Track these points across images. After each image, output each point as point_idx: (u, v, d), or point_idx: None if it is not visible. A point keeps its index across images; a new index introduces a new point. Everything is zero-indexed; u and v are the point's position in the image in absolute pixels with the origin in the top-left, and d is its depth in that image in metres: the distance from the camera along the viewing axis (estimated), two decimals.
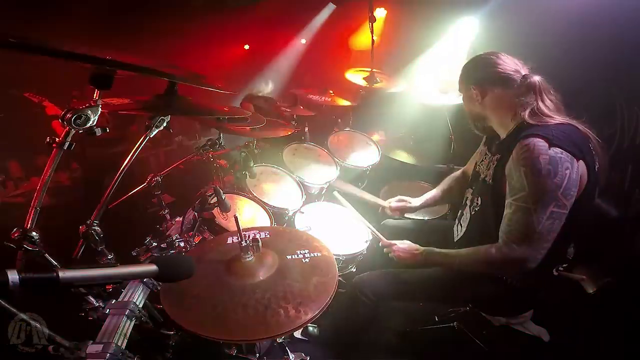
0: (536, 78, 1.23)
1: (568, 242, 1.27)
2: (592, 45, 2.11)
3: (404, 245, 1.49)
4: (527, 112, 1.21)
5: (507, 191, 1.18)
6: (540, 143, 1.10)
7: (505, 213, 1.18)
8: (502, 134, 1.35)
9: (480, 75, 1.34)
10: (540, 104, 1.21)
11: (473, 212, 1.43)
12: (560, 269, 1.34)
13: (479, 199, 1.39)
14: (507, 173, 1.19)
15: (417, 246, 1.46)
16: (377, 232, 1.69)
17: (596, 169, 1.19)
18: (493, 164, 1.32)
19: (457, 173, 1.84)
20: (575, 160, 1.10)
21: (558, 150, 1.09)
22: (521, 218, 1.13)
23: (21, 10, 3.20)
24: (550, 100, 1.23)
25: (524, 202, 1.12)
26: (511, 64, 1.28)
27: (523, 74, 1.25)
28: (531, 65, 1.30)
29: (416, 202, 1.85)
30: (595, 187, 1.21)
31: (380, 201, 1.97)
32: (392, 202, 1.89)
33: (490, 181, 1.31)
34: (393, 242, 1.54)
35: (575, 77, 2.06)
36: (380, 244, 1.62)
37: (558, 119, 1.20)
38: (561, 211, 1.10)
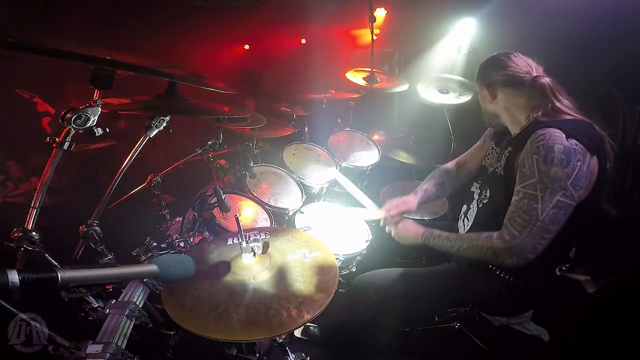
0: (546, 79, 1.25)
1: (574, 242, 1.26)
2: (594, 46, 2.11)
3: (407, 222, 1.49)
4: (540, 112, 1.23)
5: (517, 180, 1.19)
6: (557, 133, 1.11)
7: (512, 201, 1.19)
8: (515, 130, 1.35)
9: (492, 76, 1.36)
10: (556, 103, 1.23)
11: (481, 205, 1.43)
12: (563, 268, 1.33)
13: (488, 190, 1.40)
14: (519, 163, 1.20)
15: (420, 226, 1.45)
16: (377, 208, 1.65)
17: (608, 168, 1.20)
18: (505, 156, 1.33)
19: (447, 166, 1.80)
20: (588, 154, 1.11)
21: (574, 141, 1.10)
22: (526, 205, 1.13)
23: (21, 9, 3.20)
24: (566, 99, 1.25)
25: (532, 189, 1.12)
26: (522, 65, 1.30)
27: (534, 75, 1.27)
28: (544, 66, 1.32)
29: (413, 201, 1.69)
30: (604, 187, 1.21)
31: (376, 213, 1.70)
32: (391, 211, 1.66)
33: (502, 172, 1.32)
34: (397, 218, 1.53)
35: (577, 78, 2.06)
36: (381, 223, 1.59)
37: (574, 116, 1.21)
38: (568, 201, 1.10)
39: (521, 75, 1.28)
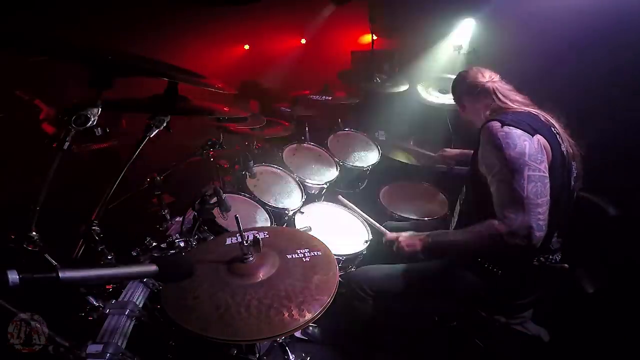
0: (492, 84, 1.46)
1: (550, 230, 1.28)
2: (593, 46, 2.11)
3: (408, 234, 1.53)
4: (488, 111, 1.45)
5: (485, 172, 1.31)
6: (495, 124, 1.28)
7: (492, 192, 1.27)
8: None
9: (457, 91, 1.62)
10: (502, 101, 1.42)
11: (461, 202, 1.59)
12: (542, 259, 1.37)
13: (464, 187, 1.58)
14: (479, 158, 1.34)
15: (422, 233, 1.49)
16: (381, 227, 1.72)
17: (563, 151, 1.31)
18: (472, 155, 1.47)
19: None
20: (530, 135, 1.24)
21: (511, 127, 1.25)
22: (505, 189, 1.21)
23: (22, 10, 3.20)
24: (512, 97, 1.44)
25: (501, 175, 1.23)
26: (473, 76, 1.51)
27: (484, 81, 1.47)
28: (501, 76, 1.51)
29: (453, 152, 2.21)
30: (565, 170, 1.31)
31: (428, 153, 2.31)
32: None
33: (470, 168, 1.47)
34: (397, 234, 1.56)
35: (576, 78, 2.06)
36: (384, 239, 1.63)
37: (523, 109, 1.38)
38: (537, 173, 1.19)
39: (474, 83, 1.50)
